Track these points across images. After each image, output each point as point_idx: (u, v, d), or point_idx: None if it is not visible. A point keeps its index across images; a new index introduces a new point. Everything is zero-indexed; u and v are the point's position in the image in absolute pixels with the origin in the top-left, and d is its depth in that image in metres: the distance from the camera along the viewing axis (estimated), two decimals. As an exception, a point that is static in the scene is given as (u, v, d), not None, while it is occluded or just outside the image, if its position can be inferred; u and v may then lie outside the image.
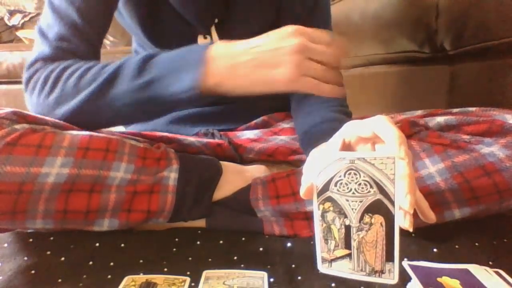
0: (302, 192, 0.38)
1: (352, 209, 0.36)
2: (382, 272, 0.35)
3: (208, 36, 0.67)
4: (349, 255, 0.36)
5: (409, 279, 0.40)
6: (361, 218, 0.35)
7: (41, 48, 0.55)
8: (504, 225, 0.53)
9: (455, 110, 0.55)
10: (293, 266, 0.46)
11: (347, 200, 0.36)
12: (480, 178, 0.47)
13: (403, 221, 0.34)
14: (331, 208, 0.37)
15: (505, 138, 0.48)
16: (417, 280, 0.38)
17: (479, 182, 0.47)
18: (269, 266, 0.45)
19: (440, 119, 0.53)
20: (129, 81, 0.47)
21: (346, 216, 0.36)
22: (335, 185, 0.36)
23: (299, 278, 0.43)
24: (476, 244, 0.48)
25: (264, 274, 0.43)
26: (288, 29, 0.44)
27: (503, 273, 0.40)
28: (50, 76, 0.52)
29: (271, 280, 0.42)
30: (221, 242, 0.51)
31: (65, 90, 0.50)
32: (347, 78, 0.75)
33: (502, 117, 0.50)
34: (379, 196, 0.35)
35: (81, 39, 0.56)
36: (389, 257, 0.34)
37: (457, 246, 0.47)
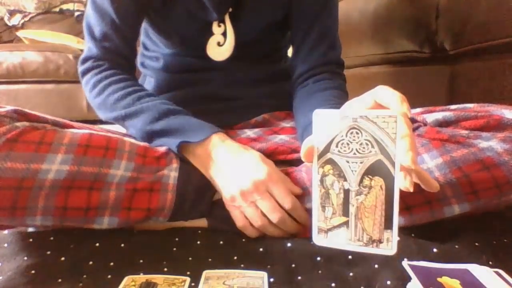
0: (302, 154, 0.37)
1: (352, 171, 0.35)
2: (380, 241, 0.34)
3: (222, 24, 0.69)
4: (346, 224, 0.35)
5: (409, 279, 0.40)
6: (361, 181, 0.35)
7: (89, 44, 0.67)
8: (504, 225, 0.53)
9: (453, 106, 0.55)
10: (293, 266, 0.46)
11: (348, 162, 0.35)
12: (479, 172, 0.47)
13: (403, 182, 0.34)
14: (331, 171, 0.36)
15: (503, 133, 0.48)
16: (417, 280, 0.38)
17: (478, 176, 0.47)
18: (269, 266, 0.45)
19: (438, 115, 0.53)
20: (144, 124, 0.59)
21: (345, 179, 0.35)
22: (336, 146, 0.36)
23: (299, 278, 0.43)
24: (476, 244, 0.48)
25: (264, 274, 0.43)
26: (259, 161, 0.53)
27: (503, 273, 0.40)
28: (98, 85, 0.65)
29: (271, 280, 0.42)
30: (221, 242, 0.50)
31: (105, 103, 0.63)
32: (347, 78, 0.75)
33: (500, 112, 0.50)
34: (380, 157, 0.34)
35: (120, 38, 0.66)
36: (388, 224, 0.34)
37: (457, 246, 0.47)
